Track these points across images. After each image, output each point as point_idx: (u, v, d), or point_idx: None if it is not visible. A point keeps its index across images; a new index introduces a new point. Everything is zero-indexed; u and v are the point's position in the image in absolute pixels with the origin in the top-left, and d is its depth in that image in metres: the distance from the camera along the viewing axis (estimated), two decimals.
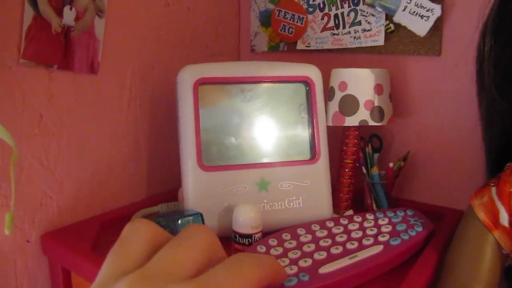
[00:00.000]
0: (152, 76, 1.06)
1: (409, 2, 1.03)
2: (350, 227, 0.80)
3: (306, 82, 0.94)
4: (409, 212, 0.86)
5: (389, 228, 0.79)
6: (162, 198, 1.03)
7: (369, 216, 0.84)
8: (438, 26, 1.01)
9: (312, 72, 0.96)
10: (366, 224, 0.81)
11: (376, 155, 1.00)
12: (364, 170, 0.96)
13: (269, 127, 0.91)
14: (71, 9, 0.93)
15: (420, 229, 0.79)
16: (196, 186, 0.82)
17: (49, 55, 0.90)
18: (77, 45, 0.93)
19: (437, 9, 1.00)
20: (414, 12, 1.03)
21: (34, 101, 0.85)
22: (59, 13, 0.91)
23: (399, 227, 0.79)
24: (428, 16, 1.01)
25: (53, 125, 0.87)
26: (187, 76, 0.86)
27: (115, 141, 0.99)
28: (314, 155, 0.91)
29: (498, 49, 0.67)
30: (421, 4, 1.02)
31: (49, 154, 0.87)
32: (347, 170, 0.96)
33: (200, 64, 0.89)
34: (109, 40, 0.95)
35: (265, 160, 0.89)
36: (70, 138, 0.90)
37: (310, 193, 0.88)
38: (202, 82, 0.86)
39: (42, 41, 0.89)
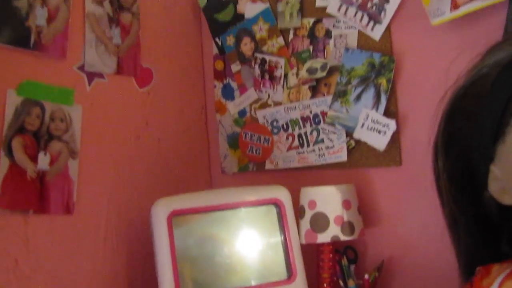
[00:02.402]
0: (127, 211, 1.25)
1: (366, 119, 1.28)
2: None
3: (276, 204, 1.14)
4: None
5: None
6: None
7: None
8: (395, 139, 1.26)
9: (282, 193, 1.16)
10: None
11: (352, 266, 1.17)
12: (342, 283, 1.12)
13: (244, 251, 1.09)
14: (45, 154, 1.13)
15: None
16: None
17: (24, 201, 1.09)
18: (52, 188, 1.12)
19: (392, 124, 1.25)
20: (371, 128, 1.28)
21: (10, 248, 1.01)
22: (34, 159, 1.11)
23: None
24: (385, 131, 1.26)
25: (30, 269, 1.02)
26: (161, 210, 1.05)
27: (93, 276, 1.13)
28: (290, 275, 1.07)
29: (450, 164, 0.82)
30: (377, 120, 1.27)
31: None
32: (325, 285, 1.12)
33: (172, 197, 1.08)
34: (83, 180, 1.15)
35: (242, 285, 1.04)
36: (47, 281, 1.04)
37: None
38: (175, 214, 1.05)
39: (17, 188, 1.08)
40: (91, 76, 1.23)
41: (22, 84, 1.09)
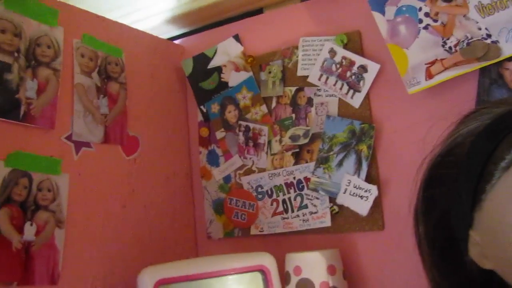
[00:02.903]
0: (113, 280, 1.34)
1: (348, 185, 1.39)
2: None
3: (262, 271, 1.24)
4: None
5: None
6: None
7: None
8: (378, 204, 1.36)
9: (267, 260, 1.25)
10: None
11: None
12: None
13: None
14: (31, 224, 1.22)
15: None
16: None
17: (8, 273, 1.15)
18: (37, 259, 1.20)
19: (373, 190, 1.35)
20: (354, 193, 1.38)
21: None
22: (20, 230, 1.19)
23: None
24: (367, 196, 1.36)
25: None
26: (147, 279, 1.14)
27: None
28: None
29: (431, 230, 0.89)
30: (359, 186, 1.38)
31: None
32: None
33: (158, 266, 1.18)
34: (69, 249, 1.24)
35: None
36: None
37: None
38: (161, 283, 1.14)
39: (2, 260, 1.13)
40: (79, 145, 1.33)
41: (11, 155, 1.17)
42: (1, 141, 1.16)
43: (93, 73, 1.41)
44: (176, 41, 1.78)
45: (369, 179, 1.36)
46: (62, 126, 1.30)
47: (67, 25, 1.34)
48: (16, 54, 1.21)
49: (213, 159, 1.64)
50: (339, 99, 1.43)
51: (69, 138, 1.31)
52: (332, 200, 1.41)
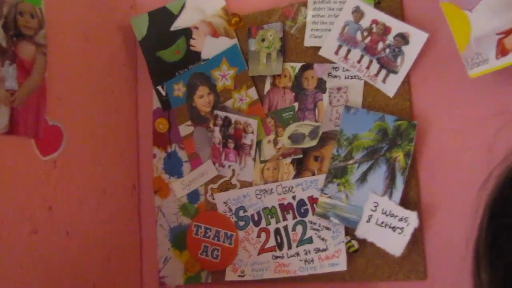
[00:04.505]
0: None
1: (374, 210, 1.30)
2: None
3: None
4: None
5: None
6: None
7: None
8: (418, 239, 1.25)
9: None
10: None
11: None
12: None
13: None
14: None
15: None
16: None
17: None
18: None
19: (412, 218, 1.24)
20: (382, 223, 1.29)
21: None
22: None
23: None
24: (402, 228, 1.27)
25: None
26: None
27: None
28: None
29: (499, 280, 0.80)
30: (390, 212, 1.28)
31: None
32: None
33: None
34: None
35: None
36: None
37: None
38: None
39: None
40: None
41: None
42: None
43: None
44: None
45: (406, 202, 1.28)
46: None
47: None
48: None
49: (173, 167, 1.55)
50: (365, 82, 1.36)
51: None
52: (350, 232, 1.31)
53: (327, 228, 1.33)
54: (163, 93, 1.57)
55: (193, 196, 1.50)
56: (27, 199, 1.30)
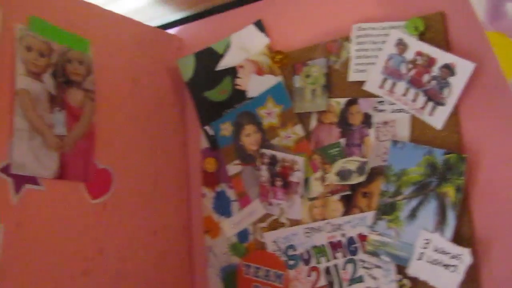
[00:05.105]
0: None
1: (425, 247, 1.28)
2: None
3: None
4: None
5: None
6: None
7: None
8: (473, 277, 1.24)
9: None
10: None
11: None
12: None
13: None
14: None
15: None
16: None
17: None
18: None
19: (466, 255, 1.24)
20: (434, 261, 1.28)
21: None
22: None
23: None
24: (456, 266, 1.25)
25: None
26: None
27: None
28: None
29: None
30: (442, 249, 1.27)
31: None
32: None
33: None
34: None
35: None
36: None
37: None
38: None
39: None
40: (20, 181, 1.27)
41: None
42: None
43: (45, 75, 1.36)
44: (171, 30, 1.76)
45: (458, 238, 1.27)
46: None
47: (7, 4, 1.29)
48: None
49: (222, 206, 1.58)
50: (412, 116, 1.37)
51: (5, 170, 1.25)
52: (401, 270, 1.32)
53: (378, 266, 1.33)
54: (211, 132, 1.60)
55: (243, 235, 1.53)
56: (79, 241, 1.35)
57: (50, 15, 1.39)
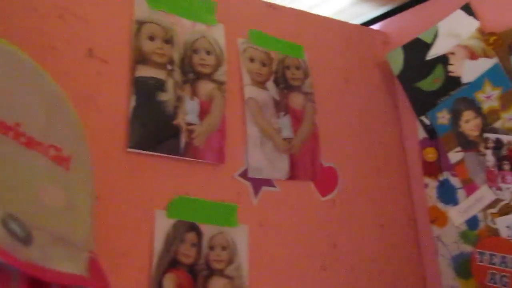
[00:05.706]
0: None
1: None
2: None
3: None
4: None
5: None
6: None
7: None
8: None
9: None
10: None
11: None
12: None
13: None
14: None
15: None
16: None
17: None
18: None
19: None
20: None
21: None
22: None
23: None
24: None
25: None
26: None
27: None
28: None
29: None
30: None
31: None
32: None
33: None
34: None
35: None
36: None
37: None
38: None
39: None
40: (258, 184, 1.38)
41: (173, 202, 1.23)
42: (159, 183, 1.23)
43: (268, 83, 1.47)
44: (374, 26, 1.80)
45: None
46: (233, 158, 1.36)
47: (227, 20, 1.42)
48: (169, 67, 1.30)
49: (447, 195, 1.60)
50: None
51: (244, 175, 1.37)
52: None
53: None
54: (427, 122, 1.63)
55: (472, 222, 1.53)
56: (314, 238, 1.44)
57: (266, 27, 1.50)
